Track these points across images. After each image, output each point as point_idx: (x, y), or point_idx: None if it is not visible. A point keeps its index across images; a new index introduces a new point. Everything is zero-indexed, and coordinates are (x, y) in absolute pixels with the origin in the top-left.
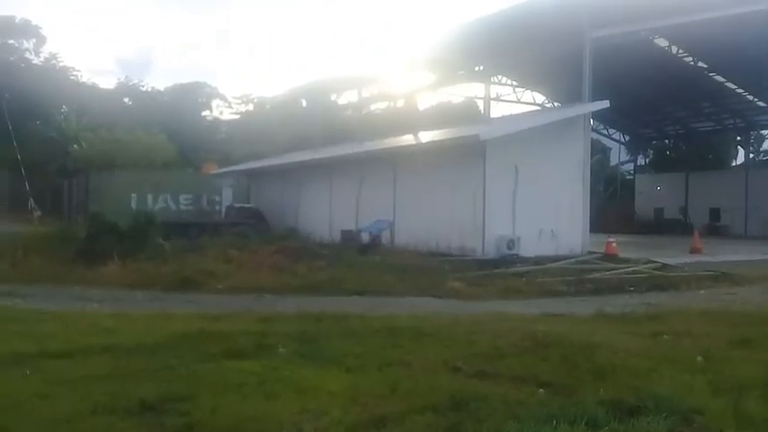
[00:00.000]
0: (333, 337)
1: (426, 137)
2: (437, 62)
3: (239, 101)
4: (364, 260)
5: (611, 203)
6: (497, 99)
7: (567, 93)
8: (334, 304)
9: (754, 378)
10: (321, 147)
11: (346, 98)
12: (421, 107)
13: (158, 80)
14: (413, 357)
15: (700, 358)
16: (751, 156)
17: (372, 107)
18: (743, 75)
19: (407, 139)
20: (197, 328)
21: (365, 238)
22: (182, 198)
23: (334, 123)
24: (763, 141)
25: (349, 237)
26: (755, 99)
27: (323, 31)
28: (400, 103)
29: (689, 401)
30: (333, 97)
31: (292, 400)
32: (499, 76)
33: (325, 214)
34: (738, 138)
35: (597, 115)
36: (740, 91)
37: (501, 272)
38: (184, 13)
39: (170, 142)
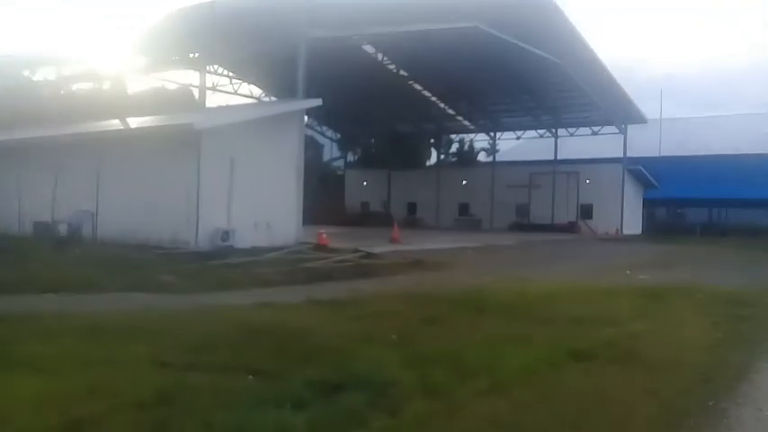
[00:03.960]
0: (22, 339)
1: (137, 123)
2: (150, 45)
3: None
4: (61, 255)
5: (324, 197)
6: (214, 89)
7: (283, 88)
8: (24, 304)
9: (440, 351)
10: (8, 128)
11: (42, 75)
12: (132, 91)
13: None
14: (117, 355)
15: (394, 336)
16: (442, 157)
17: (74, 87)
18: (437, 85)
19: (114, 125)
20: None
21: (63, 230)
22: None
23: (26, 102)
24: (452, 145)
25: (43, 229)
26: (446, 107)
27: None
28: (107, 86)
29: (384, 375)
30: (26, 73)
31: None
32: (216, 66)
33: (14, 205)
34: (432, 140)
35: (312, 112)
36: (434, 99)
37: (215, 264)
38: None
39: None
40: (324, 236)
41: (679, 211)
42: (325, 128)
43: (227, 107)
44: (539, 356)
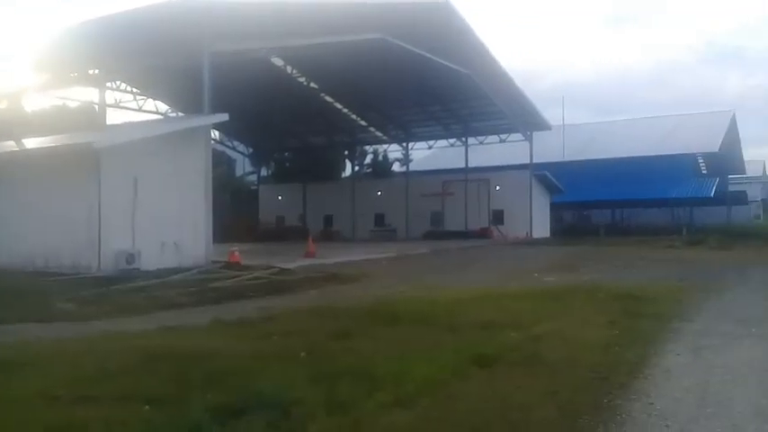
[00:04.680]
0: None
1: (33, 143)
2: (47, 62)
3: None
4: None
5: (237, 213)
6: (116, 106)
7: (190, 103)
8: None
9: (348, 365)
10: None
11: None
12: (31, 110)
13: None
14: (1, 392)
15: (303, 353)
16: (356, 168)
17: None
18: (347, 97)
19: (9, 145)
20: None
21: None
22: None
23: None
24: (366, 156)
25: None
26: (358, 118)
27: None
28: (2, 105)
29: (289, 395)
30: None
31: None
32: (118, 82)
33: None
34: (346, 152)
35: (222, 128)
36: (346, 111)
37: (119, 288)
38: None
39: None
40: (236, 253)
41: (584, 213)
42: (236, 142)
43: (130, 124)
44: (445, 365)
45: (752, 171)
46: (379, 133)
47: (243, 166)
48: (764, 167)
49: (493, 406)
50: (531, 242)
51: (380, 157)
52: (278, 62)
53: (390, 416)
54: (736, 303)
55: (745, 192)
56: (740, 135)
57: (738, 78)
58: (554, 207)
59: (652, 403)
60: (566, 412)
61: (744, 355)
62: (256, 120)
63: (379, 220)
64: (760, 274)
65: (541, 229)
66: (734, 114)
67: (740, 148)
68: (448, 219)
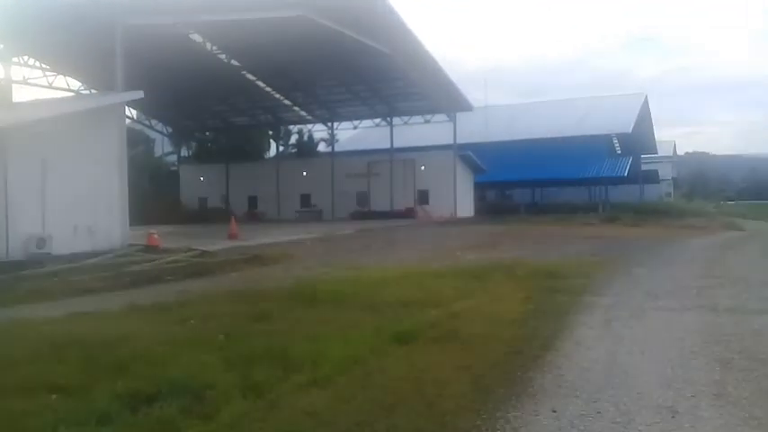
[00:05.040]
0: None
1: None
2: None
3: None
4: None
5: (157, 195)
6: (24, 83)
7: (104, 80)
8: None
9: (265, 348)
10: None
11: None
12: None
13: None
14: None
15: (221, 336)
16: (281, 149)
17: None
18: (270, 75)
19: None
20: None
21: None
22: None
23: None
24: (291, 136)
25: None
26: (282, 98)
27: None
28: None
29: (203, 379)
30: None
31: None
32: (26, 58)
33: None
34: (270, 132)
35: (139, 106)
36: (269, 90)
37: (29, 274)
38: None
39: None
40: (155, 236)
41: (506, 192)
42: (155, 121)
43: (39, 102)
44: (364, 344)
45: (663, 151)
46: (303, 113)
47: (162, 146)
48: (674, 147)
49: (409, 382)
50: (456, 221)
51: (306, 137)
52: (197, 38)
53: (307, 397)
54: (645, 277)
55: (656, 171)
56: (652, 117)
57: (652, 63)
58: (478, 186)
59: (563, 375)
60: (480, 386)
61: (650, 326)
62: (175, 98)
63: (305, 200)
64: (668, 250)
65: (466, 208)
66: (646, 97)
67: (652, 129)
68: (374, 199)
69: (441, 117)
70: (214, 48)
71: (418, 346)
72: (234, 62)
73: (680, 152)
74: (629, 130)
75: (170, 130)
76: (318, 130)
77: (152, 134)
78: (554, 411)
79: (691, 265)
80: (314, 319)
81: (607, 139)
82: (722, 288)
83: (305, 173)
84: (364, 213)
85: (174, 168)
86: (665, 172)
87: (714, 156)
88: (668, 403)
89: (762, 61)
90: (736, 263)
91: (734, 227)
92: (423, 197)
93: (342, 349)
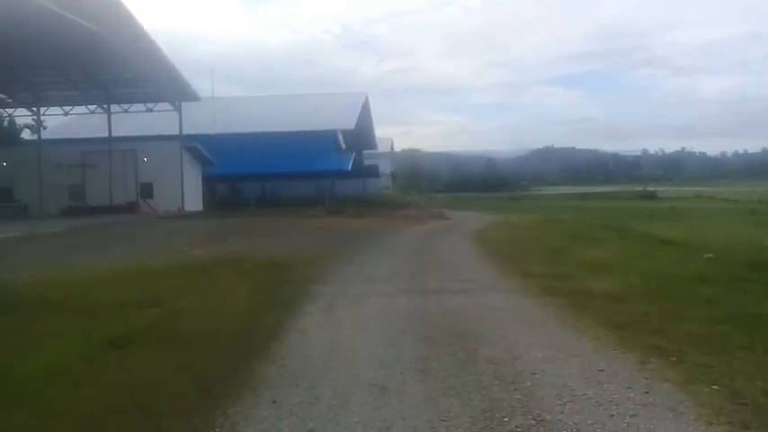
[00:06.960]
0: None
1: None
2: None
3: None
4: None
5: None
6: None
7: None
8: None
9: None
10: None
11: None
12: None
13: None
14: None
15: None
16: None
17: None
18: None
19: None
20: None
21: None
22: None
23: None
24: None
25: None
26: None
27: None
28: None
29: None
30: None
31: None
32: None
33: None
34: None
35: None
36: None
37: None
38: None
39: None
40: None
41: (236, 185)
42: None
43: None
44: (71, 351)
45: (382, 147)
46: (2, 95)
47: None
48: (392, 144)
49: (122, 389)
50: (183, 216)
51: (6, 123)
52: None
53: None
54: (365, 265)
55: (377, 165)
56: (372, 115)
57: (372, 64)
58: (207, 180)
59: (286, 364)
60: (200, 384)
61: (368, 310)
62: None
63: (5, 194)
64: (386, 239)
65: (194, 202)
66: (367, 96)
67: (372, 127)
68: (90, 193)
69: (165, 106)
70: None
71: (135, 349)
72: None
73: (397, 149)
74: (353, 127)
75: None
76: (21, 116)
77: None
78: (274, 402)
79: (405, 252)
80: (13, 330)
81: (332, 134)
82: (431, 273)
83: (5, 163)
84: (79, 209)
85: None
86: (385, 167)
87: (426, 152)
88: (380, 381)
89: (460, 72)
90: (444, 250)
91: (442, 217)
92: (146, 191)
93: (45, 360)
